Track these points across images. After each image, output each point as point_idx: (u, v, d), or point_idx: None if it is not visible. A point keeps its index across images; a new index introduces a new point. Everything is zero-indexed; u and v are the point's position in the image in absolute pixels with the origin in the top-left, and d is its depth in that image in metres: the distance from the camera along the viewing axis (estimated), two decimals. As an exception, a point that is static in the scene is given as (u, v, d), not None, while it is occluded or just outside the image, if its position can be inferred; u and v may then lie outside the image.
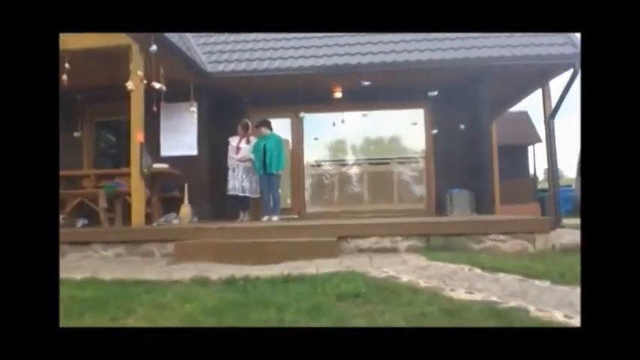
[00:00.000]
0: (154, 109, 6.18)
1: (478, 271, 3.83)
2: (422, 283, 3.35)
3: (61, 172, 6.84)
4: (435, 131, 8.42)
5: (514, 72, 7.87)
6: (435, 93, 7.74)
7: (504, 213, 8.34)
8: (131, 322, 2.73)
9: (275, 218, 7.20)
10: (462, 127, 8.28)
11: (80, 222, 7.19)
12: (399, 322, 2.50)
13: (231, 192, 7.58)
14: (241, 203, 7.68)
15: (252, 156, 7.52)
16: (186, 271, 4.19)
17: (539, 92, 8.52)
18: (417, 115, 8.85)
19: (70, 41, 5.67)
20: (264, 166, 7.38)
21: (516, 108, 11.42)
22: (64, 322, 2.67)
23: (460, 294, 3.03)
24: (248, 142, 7.65)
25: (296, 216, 8.70)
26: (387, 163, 9.23)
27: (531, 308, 2.65)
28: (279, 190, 7.68)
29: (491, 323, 2.42)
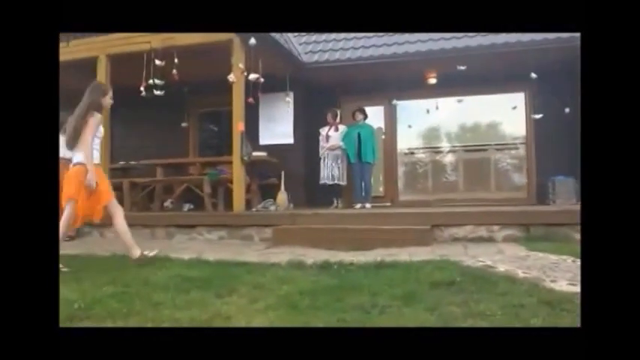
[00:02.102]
0: (250, 100, 6.44)
1: (582, 262, 3.62)
2: (520, 274, 3.25)
3: (170, 160, 7.56)
4: (538, 116, 7.94)
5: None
6: (535, 75, 7.28)
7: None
8: (234, 300, 2.93)
9: (368, 206, 7.27)
10: (567, 110, 7.74)
11: (186, 206, 7.74)
12: (496, 312, 2.46)
13: (322, 181, 7.76)
14: (334, 190, 7.82)
15: (342, 144, 7.62)
16: (283, 255, 4.40)
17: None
18: (517, 99, 8.40)
19: (177, 38, 6.12)
20: (358, 155, 7.45)
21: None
22: (174, 297, 2.94)
23: (562, 285, 2.90)
24: (337, 129, 7.74)
25: (389, 204, 8.69)
26: (485, 150, 8.87)
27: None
28: (371, 179, 7.72)
29: (596, 317, 2.31)
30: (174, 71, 6.22)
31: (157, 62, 6.32)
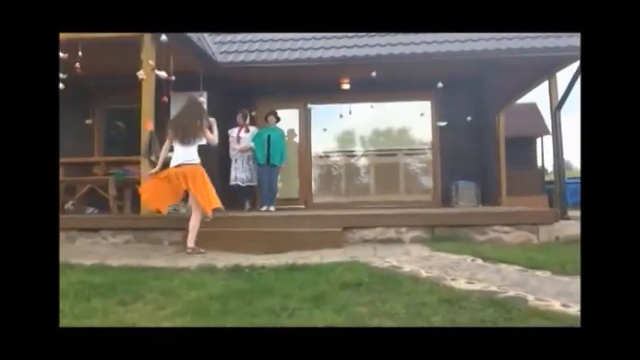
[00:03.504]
0: (164, 99, 6.22)
1: (480, 261, 3.88)
2: (423, 273, 3.41)
3: (72, 159, 7.08)
4: (443, 123, 8.40)
5: (521, 64, 7.82)
6: (441, 85, 7.72)
7: (511, 205, 8.35)
8: (139, 307, 2.82)
9: (272, 208, 7.33)
10: (469, 118, 8.27)
11: (90, 210, 7.30)
12: (400, 311, 2.57)
13: (232, 182, 7.67)
14: (247, 192, 7.76)
15: (252, 145, 7.59)
16: (193, 259, 4.29)
17: (547, 84, 8.49)
18: (424, 107, 8.84)
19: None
20: (267, 158, 7.46)
21: (526, 99, 11.36)
22: (73, 305, 2.77)
23: (460, 284, 3.09)
24: (247, 131, 7.71)
25: (303, 206, 8.76)
26: (395, 155, 9.25)
27: (530, 297, 2.70)
28: (277, 182, 7.75)
29: (489, 312, 2.48)
30: (77, 65, 5.86)
31: (60, 54, 5.91)
